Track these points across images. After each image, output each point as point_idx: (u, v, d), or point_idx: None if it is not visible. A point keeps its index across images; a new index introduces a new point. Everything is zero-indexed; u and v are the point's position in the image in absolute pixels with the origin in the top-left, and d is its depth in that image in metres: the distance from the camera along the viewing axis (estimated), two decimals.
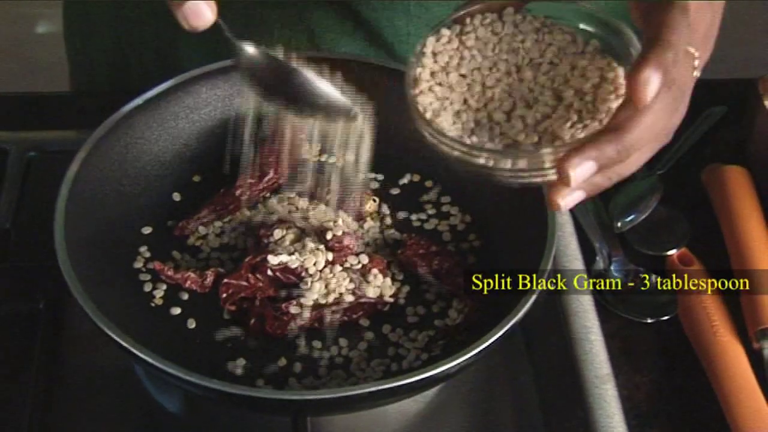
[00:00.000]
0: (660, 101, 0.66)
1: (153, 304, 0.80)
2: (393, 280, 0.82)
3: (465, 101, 0.71)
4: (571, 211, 0.91)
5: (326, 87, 0.74)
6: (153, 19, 1.00)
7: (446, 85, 0.71)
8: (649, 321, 0.87)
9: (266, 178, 0.86)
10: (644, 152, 0.68)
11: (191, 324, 0.79)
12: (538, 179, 0.68)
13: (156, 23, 1.00)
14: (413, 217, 0.87)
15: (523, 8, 0.73)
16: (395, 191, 0.89)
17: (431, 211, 0.87)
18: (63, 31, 1.11)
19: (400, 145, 0.86)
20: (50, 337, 0.82)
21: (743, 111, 1.00)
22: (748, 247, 0.89)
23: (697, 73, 0.71)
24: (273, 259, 0.79)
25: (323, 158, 0.88)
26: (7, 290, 0.84)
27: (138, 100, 0.85)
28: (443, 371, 0.70)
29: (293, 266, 0.79)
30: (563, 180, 0.66)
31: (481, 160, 0.67)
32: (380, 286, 0.80)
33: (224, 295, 0.79)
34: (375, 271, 0.81)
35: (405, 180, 0.89)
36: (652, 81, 0.65)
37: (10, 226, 0.88)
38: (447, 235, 0.86)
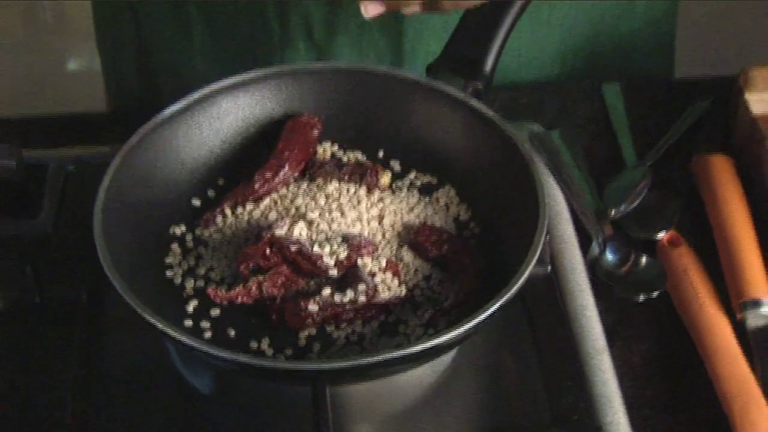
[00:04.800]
0: None
1: (184, 295, 0.87)
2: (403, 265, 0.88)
3: None
4: (568, 201, 0.98)
5: None
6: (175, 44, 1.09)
7: None
8: (641, 298, 0.92)
9: (282, 173, 0.93)
10: None
11: (215, 312, 0.86)
12: None
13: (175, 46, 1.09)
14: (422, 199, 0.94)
15: None
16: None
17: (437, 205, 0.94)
18: (99, 58, 1.19)
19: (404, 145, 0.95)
20: (91, 324, 0.89)
21: (726, 104, 1.06)
22: (731, 229, 0.95)
23: None
24: (279, 231, 0.85)
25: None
26: (53, 282, 0.91)
27: (165, 113, 0.92)
28: (445, 341, 0.77)
29: (309, 250, 0.85)
30: None
31: None
32: (394, 289, 0.86)
33: (242, 265, 0.85)
34: (389, 274, 0.86)
35: (411, 175, 0.96)
36: None
37: (51, 231, 0.95)
38: (451, 224, 0.92)
